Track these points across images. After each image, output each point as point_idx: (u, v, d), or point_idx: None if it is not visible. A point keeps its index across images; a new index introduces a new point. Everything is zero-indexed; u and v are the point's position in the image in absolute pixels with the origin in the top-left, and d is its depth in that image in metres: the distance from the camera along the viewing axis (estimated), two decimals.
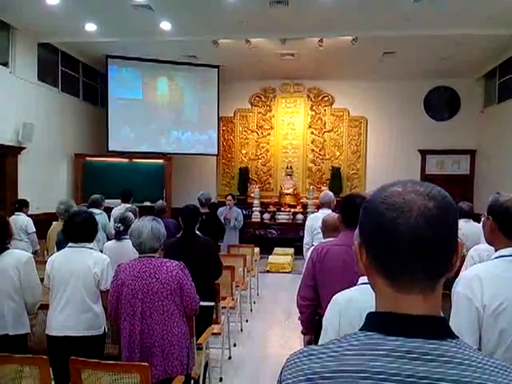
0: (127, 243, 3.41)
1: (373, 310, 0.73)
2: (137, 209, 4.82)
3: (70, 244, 2.80)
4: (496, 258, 1.72)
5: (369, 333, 0.69)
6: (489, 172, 9.48)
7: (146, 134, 9.45)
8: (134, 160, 9.29)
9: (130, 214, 3.86)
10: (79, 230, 2.77)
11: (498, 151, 9.02)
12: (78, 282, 2.68)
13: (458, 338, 0.69)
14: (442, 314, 0.72)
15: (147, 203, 8.03)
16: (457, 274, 2.51)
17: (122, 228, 3.66)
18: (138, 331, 2.43)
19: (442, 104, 10.32)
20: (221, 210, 6.63)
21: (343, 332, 1.55)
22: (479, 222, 3.77)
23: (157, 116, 9.55)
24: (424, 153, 10.43)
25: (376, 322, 0.70)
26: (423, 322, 0.68)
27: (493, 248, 1.79)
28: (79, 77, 9.35)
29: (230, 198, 6.86)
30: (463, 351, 0.67)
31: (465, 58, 8.62)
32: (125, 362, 2.42)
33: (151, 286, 2.42)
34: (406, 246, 0.67)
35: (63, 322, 2.66)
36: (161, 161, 9.40)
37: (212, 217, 5.70)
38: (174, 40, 7.83)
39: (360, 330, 0.71)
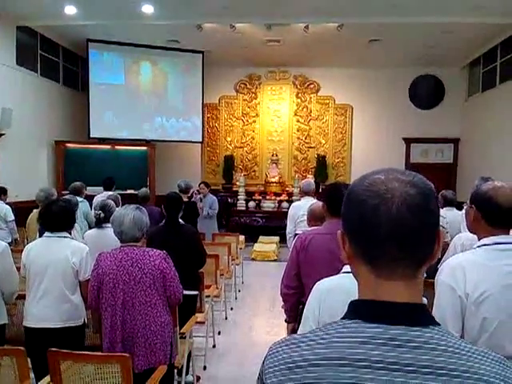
0: (109, 231, 3.35)
1: (355, 297, 0.73)
2: (119, 196, 4.74)
3: (46, 233, 2.72)
4: (479, 246, 1.72)
5: (351, 321, 0.70)
6: (472, 160, 9.61)
7: (128, 121, 9.28)
8: (117, 147, 9.12)
9: (111, 202, 3.79)
10: (56, 218, 2.70)
11: (481, 140, 9.14)
12: (56, 272, 2.61)
13: (439, 325, 0.69)
14: (425, 300, 0.72)
15: (130, 191, 7.92)
16: (439, 262, 2.54)
17: (102, 215, 3.59)
18: (119, 321, 2.39)
19: (426, 92, 10.37)
20: (197, 198, 6.54)
21: (323, 320, 1.54)
22: (462, 210, 3.81)
23: (140, 102, 9.37)
24: (408, 141, 10.50)
25: (358, 310, 0.71)
26: (405, 309, 0.68)
27: (476, 237, 1.79)
28: (59, 61, 9.09)
29: (202, 186, 6.74)
30: (447, 338, 0.67)
31: (450, 47, 8.65)
32: (106, 352, 2.39)
33: (133, 276, 2.38)
34: (387, 233, 0.67)
35: (41, 313, 2.60)
36: (144, 148, 9.26)
37: (191, 205, 5.66)
38: (157, 24, 7.67)
39: (342, 318, 0.72)
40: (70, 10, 7.10)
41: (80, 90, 9.67)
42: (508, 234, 1.69)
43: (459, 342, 0.68)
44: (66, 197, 4.36)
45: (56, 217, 2.70)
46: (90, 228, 4.48)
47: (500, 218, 1.68)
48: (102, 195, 5.80)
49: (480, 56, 9.17)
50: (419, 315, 0.69)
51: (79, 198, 5.11)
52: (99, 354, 2.35)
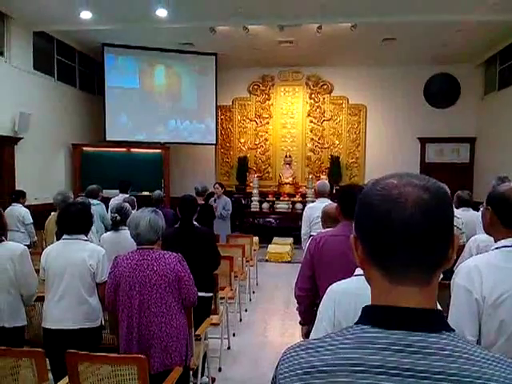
0: (125, 234, 3.40)
1: (368, 301, 0.73)
2: (134, 199, 4.80)
3: (64, 236, 2.77)
4: (496, 248, 1.70)
5: (364, 326, 0.69)
6: (488, 160, 9.44)
7: (143, 123, 9.38)
8: (132, 149, 9.24)
9: (127, 205, 3.84)
10: (74, 221, 2.74)
11: (498, 139, 8.98)
12: (74, 274, 2.66)
13: (453, 330, 0.69)
14: (440, 306, 0.72)
15: (145, 193, 8.00)
16: (454, 264, 2.51)
17: (118, 218, 3.63)
18: (135, 323, 2.42)
19: (441, 91, 10.22)
20: (211, 200, 6.60)
21: (338, 322, 1.53)
22: (478, 211, 3.75)
23: (154, 105, 9.46)
24: (424, 141, 10.37)
25: (371, 316, 0.70)
26: (419, 315, 0.68)
27: (492, 238, 1.77)
28: (75, 65, 9.25)
29: (217, 186, 6.78)
30: (461, 344, 0.67)
31: (465, 45, 8.53)
32: (122, 353, 2.42)
33: (149, 278, 2.41)
34: (400, 237, 0.67)
35: (59, 314, 2.65)
36: (159, 150, 9.34)
37: (207, 207, 5.69)
38: (171, 27, 7.74)
39: (356, 323, 0.71)
40: (86, 15, 7.20)
41: (96, 94, 9.81)
42: None
43: (474, 348, 0.67)
44: (78, 199, 4.41)
45: (74, 219, 2.74)
46: (107, 230, 4.54)
47: None
48: (117, 198, 5.87)
49: (496, 54, 9.01)
50: (433, 321, 0.68)
51: (95, 201, 5.19)
52: (116, 355, 2.37)
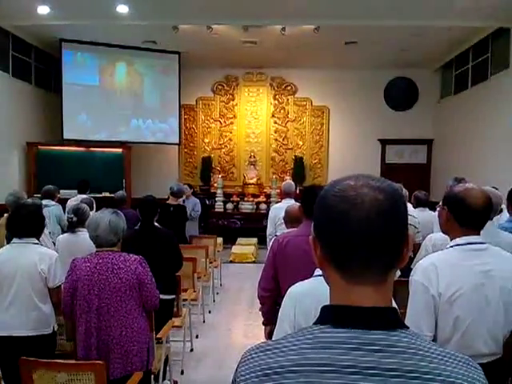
0: (82, 236, 3.29)
1: (327, 301, 0.74)
2: (93, 200, 4.65)
3: (14, 240, 2.63)
4: (451, 246, 1.76)
5: (322, 326, 0.70)
6: (444, 161, 9.83)
7: (103, 122, 9.10)
8: (92, 149, 8.94)
9: (85, 206, 3.70)
10: (24, 224, 2.61)
11: (454, 141, 9.36)
12: (24, 279, 2.54)
13: (408, 328, 0.70)
14: (396, 303, 0.73)
15: (106, 194, 7.79)
16: (412, 262, 2.58)
17: (75, 219, 3.50)
18: (94, 328, 2.35)
19: (401, 94, 10.55)
20: (179, 200, 6.53)
21: (298, 324, 1.54)
22: (435, 210, 3.89)
23: (115, 103, 9.20)
24: (384, 142, 10.67)
25: (329, 316, 0.71)
26: (374, 314, 0.69)
27: (447, 237, 1.83)
28: (31, 61, 8.85)
29: (186, 187, 6.73)
30: (415, 341, 0.68)
31: (423, 50, 8.82)
32: (80, 360, 2.34)
33: (109, 281, 2.34)
34: (357, 237, 0.68)
35: (9, 321, 2.52)
36: (120, 150, 9.09)
37: (181, 208, 5.60)
38: (132, 24, 7.56)
39: (314, 323, 0.73)
40: (43, 9, 6.92)
41: (53, 91, 9.44)
42: (479, 234, 1.74)
43: (428, 344, 0.69)
44: (29, 200, 4.20)
45: (24, 222, 2.61)
46: (64, 233, 4.38)
47: (471, 219, 1.73)
48: (75, 198, 5.67)
49: (452, 59, 9.40)
50: (389, 319, 0.70)
51: (52, 202, 5.00)
52: (73, 362, 2.30)
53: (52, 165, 8.28)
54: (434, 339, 1.68)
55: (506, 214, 3.01)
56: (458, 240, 1.74)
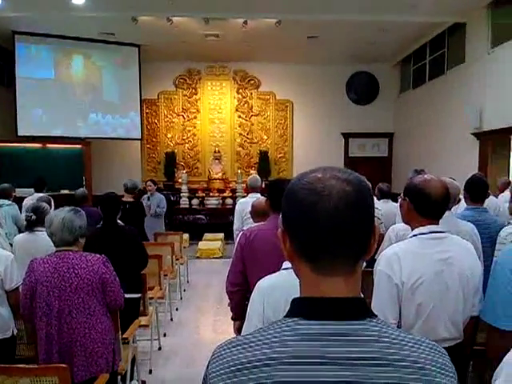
0: (42, 235, 3.16)
1: (297, 294, 0.74)
2: (51, 198, 4.47)
3: None
4: (413, 236, 1.81)
5: (294, 319, 0.70)
6: (405, 154, 10.14)
7: (60, 117, 8.76)
8: (48, 145, 8.60)
9: (45, 204, 3.55)
10: None
11: (413, 134, 9.67)
12: None
13: (376, 316, 0.71)
14: (362, 293, 0.75)
15: (65, 191, 7.52)
16: (376, 253, 2.64)
17: (34, 218, 3.35)
18: (55, 331, 2.26)
19: (362, 89, 10.77)
20: (144, 197, 6.43)
21: (267, 318, 1.54)
22: (397, 202, 4.00)
23: (72, 98, 8.88)
24: (347, 136, 10.87)
25: (301, 308, 0.71)
26: (344, 304, 0.70)
27: (409, 227, 1.88)
28: None
29: (149, 183, 6.62)
30: (386, 330, 0.70)
31: (383, 45, 9.04)
32: (42, 364, 2.25)
33: (69, 282, 2.26)
34: (325, 229, 0.69)
35: None
36: (79, 146, 8.81)
37: (138, 205, 5.49)
38: (89, 16, 7.31)
39: (285, 316, 0.72)
40: None
41: (6, 86, 8.99)
42: (438, 223, 1.80)
43: (396, 332, 0.71)
44: None
45: None
46: (20, 233, 4.19)
47: (430, 208, 1.78)
48: (32, 197, 5.45)
49: (411, 54, 9.68)
50: (359, 309, 0.71)
51: (7, 201, 4.78)
52: (35, 366, 2.21)
53: (6, 162, 7.91)
54: (399, 326, 1.73)
55: (463, 204, 3.13)
56: (420, 229, 1.79)
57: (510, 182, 5.63)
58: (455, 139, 7.75)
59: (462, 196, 3.08)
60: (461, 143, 7.53)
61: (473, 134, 7.14)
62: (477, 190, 3.06)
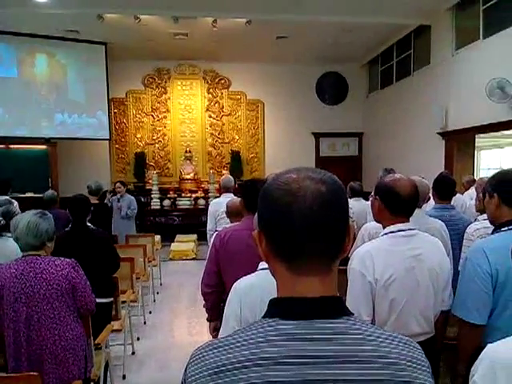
0: (9, 240, 3.04)
1: (274, 294, 0.75)
2: (13, 200, 4.32)
3: None
4: (384, 234, 1.84)
5: (271, 319, 0.71)
6: (374, 153, 10.35)
7: (24, 117, 8.46)
8: (11, 146, 8.31)
9: (16, 208, 3.43)
10: None
11: (382, 133, 9.89)
12: None
13: (353, 314, 0.72)
14: (338, 292, 0.75)
15: (30, 194, 7.28)
16: (349, 251, 2.68)
17: (3, 223, 3.22)
18: (23, 339, 2.19)
19: (331, 89, 10.92)
20: (113, 198, 6.30)
21: (245, 319, 1.54)
22: (368, 200, 4.08)
23: (36, 97, 8.59)
24: (318, 136, 10.99)
25: (278, 308, 0.72)
26: (320, 304, 0.70)
27: (381, 226, 1.92)
28: None
29: (119, 185, 6.51)
30: (361, 327, 0.71)
31: (351, 46, 9.19)
32: (11, 373, 2.17)
33: (37, 288, 2.18)
34: (301, 229, 0.69)
35: None
36: (44, 147, 8.54)
37: (103, 206, 5.38)
38: (53, 13, 7.08)
39: (263, 317, 0.73)
40: None
41: None
42: (408, 221, 1.84)
43: (371, 329, 0.72)
44: None
45: None
46: None
47: (400, 207, 1.82)
48: None
49: (378, 55, 9.88)
50: (334, 308, 0.71)
51: None
52: (4, 374, 2.15)
53: None
54: (372, 322, 1.76)
55: (432, 202, 3.21)
56: (391, 227, 1.83)
57: (474, 179, 5.84)
58: (422, 138, 7.98)
59: (431, 194, 3.16)
60: (427, 142, 7.76)
61: (438, 133, 7.36)
62: (445, 189, 3.16)
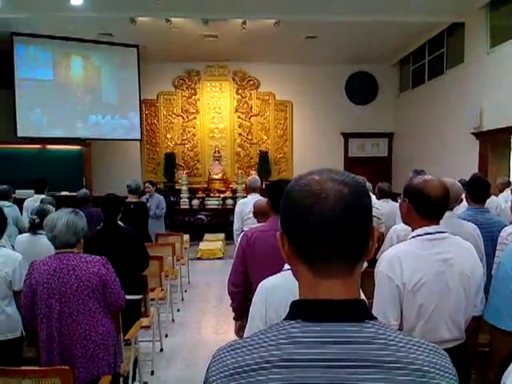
0: (43, 238, 3.16)
1: (297, 296, 0.75)
2: (53, 200, 4.47)
3: None
4: (413, 237, 1.81)
5: (292, 322, 0.71)
6: (404, 153, 10.14)
7: (60, 118, 8.75)
8: (48, 146, 8.60)
9: (50, 207, 3.56)
10: None
11: (413, 134, 9.67)
12: None
13: (376, 318, 0.72)
14: (363, 295, 0.74)
15: (65, 193, 7.51)
16: (377, 253, 2.64)
17: (37, 221, 3.35)
18: (56, 333, 2.26)
19: (361, 89, 10.76)
20: (142, 198, 6.42)
21: (270, 319, 1.54)
22: (397, 201, 4.00)
23: (72, 98, 8.88)
24: (346, 136, 10.86)
25: (299, 311, 0.72)
26: (342, 307, 0.70)
27: (410, 228, 1.88)
28: None
29: (148, 185, 6.60)
30: (384, 331, 0.70)
31: (381, 45, 9.04)
32: (44, 366, 2.25)
33: (69, 285, 2.26)
34: (322, 231, 0.69)
35: None
36: (78, 147, 8.80)
37: (141, 206, 5.49)
38: (88, 16, 7.30)
39: (285, 319, 0.73)
40: None
41: (5, 87, 8.99)
42: (438, 224, 1.80)
43: (395, 334, 0.71)
44: None
45: None
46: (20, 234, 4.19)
47: (430, 209, 1.78)
48: (32, 199, 5.45)
49: (410, 54, 9.68)
50: (356, 311, 0.71)
51: (7, 203, 4.77)
52: (36, 368, 2.22)
53: (6, 164, 7.89)
54: (400, 328, 1.73)
55: (465, 204, 3.12)
56: (419, 230, 1.79)
57: (509, 181, 5.63)
58: (455, 139, 7.75)
59: (463, 196, 3.07)
60: (460, 143, 7.54)
61: (472, 133, 7.14)
62: (479, 190, 3.06)
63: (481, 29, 7.03)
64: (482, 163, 6.96)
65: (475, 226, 2.58)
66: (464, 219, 2.70)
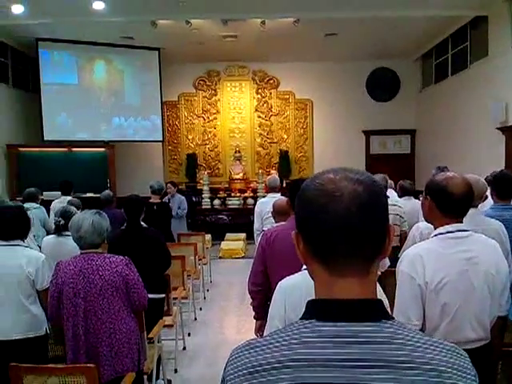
0: (69, 239, 3.24)
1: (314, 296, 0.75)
2: (79, 201, 4.58)
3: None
4: (435, 235, 1.78)
5: (307, 321, 0.70)
6: (427, 150, 9.94)
7: (84, 121, 8.95)
8: (74, 149, 8.81)
9: (73, 208, 3.64)
10: (9, 226, 2.58)
11: (436, 130, 9.47)
12: (11, 282, 2.50)
13: (393, 318, 0.71)
14: (383, 293, 0.73)
15: (90, 194, 7.68)
16: (399, 252, 2.60)
17: (62, 222, 3.44)
18: (82, 332, 2.33)
19: (383, 85, 10.60)
20: (164, 199, 6.50)
21: (289, 317, 1.55)
22: (420, 199, 3.93)
23: (96, 102, 9.07)
24: (368, 133, 10.73)
25: (315, 310, 0.72)
26: (358, 306, 0.69)
27: (432, 226, 1.85)
28: (8, 62, 8.65)
29: (169, 185, 6.68)
30: (402, 332, 0.69)
31: (403, 40, 8.88)
32: (70, 363, 2.32)
33: (94, 284, 2.32)
34: (337, 230, 0.68)
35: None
36: (103, 149, 8.98)
37: (165, 206, 5.56)
38: (109, 21, 7.44)
39: (301, 318, 0.73)
40: (18, 8, 6.77)
41: (31, 92, 9.26)
42: (461, 222, 1.76)
43: (413, 333, 0.70)
44: (10, 203, 4.13)
45: (9, 224, 2.58)
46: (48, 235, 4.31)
47: (452, 207, 1.74)
48: (60, 200, 5.59)
49: (432, 48, 9.48)
50: (373, 311, 0.70)
51: (34, 205, 4.91)
52: (63, 365, 2.28)
53: (33, 167, 8.14)
54: (423, 327, 1.70)
55: (490, 201, 3.05)
56: (442, 229, 1.76)
57: None
58: (480, 134, 7.55)
59: (488, 193, 3.00)
60: (486, 139, 7.34)
61: (498, 128, 6.94)
62: (504, 187, 2.98)
63: (504, 22, 6.83)
64: (508, 159, 6.75)
65: (500, 224, 2.52)
66: (489, 216, 2.63)
